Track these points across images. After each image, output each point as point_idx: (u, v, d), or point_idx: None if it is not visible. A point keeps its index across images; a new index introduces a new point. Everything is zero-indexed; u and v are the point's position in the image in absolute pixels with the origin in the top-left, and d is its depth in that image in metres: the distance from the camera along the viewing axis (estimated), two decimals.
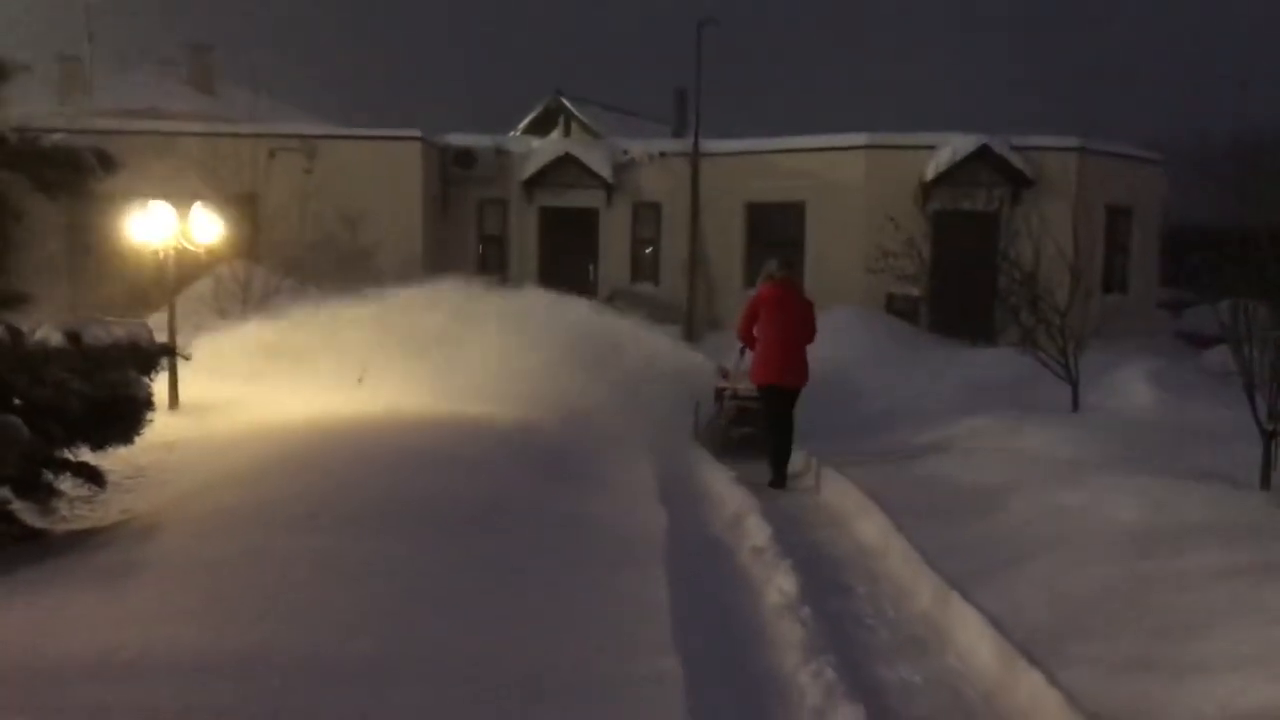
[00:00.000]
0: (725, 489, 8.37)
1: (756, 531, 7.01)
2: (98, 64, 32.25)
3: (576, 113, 28.80)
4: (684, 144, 21.27)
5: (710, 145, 20.67)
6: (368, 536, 4.94)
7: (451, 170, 21.08)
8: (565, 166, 21.12)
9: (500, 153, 21.26)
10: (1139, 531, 6.33)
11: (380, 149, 19.60)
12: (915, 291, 18.51)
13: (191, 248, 9.06)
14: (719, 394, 10.77)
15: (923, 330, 17.91)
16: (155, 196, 9.95)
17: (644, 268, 21.30)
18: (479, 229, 21.66)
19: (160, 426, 8.26)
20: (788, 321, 9.37)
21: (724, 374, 10.82)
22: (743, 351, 9.86)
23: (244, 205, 19.13)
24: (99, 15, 34.38)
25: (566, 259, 20.97)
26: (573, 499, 6.95)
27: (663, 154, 21.09)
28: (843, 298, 17.91)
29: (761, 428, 9.71)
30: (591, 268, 21.58)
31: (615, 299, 20.35)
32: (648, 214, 21.28)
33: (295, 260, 19.01)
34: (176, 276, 9.14)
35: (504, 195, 21.46)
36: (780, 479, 9.10)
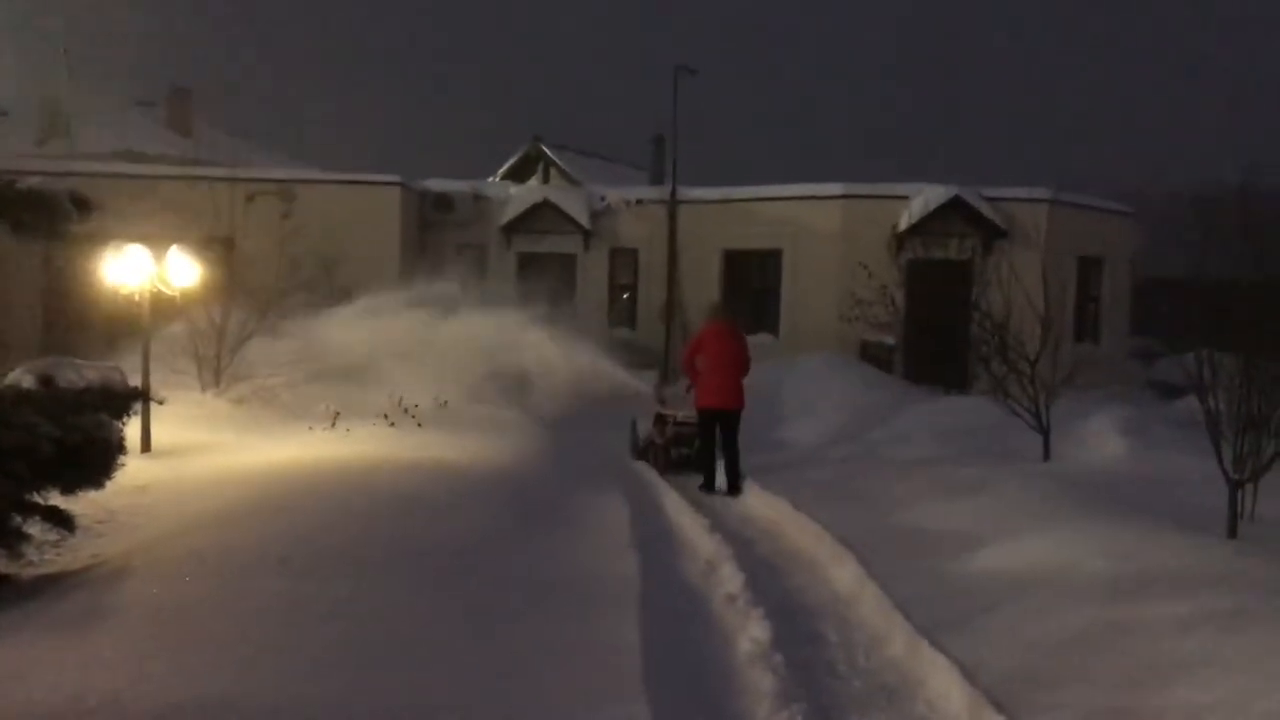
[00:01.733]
0: (695, 530, 8.38)
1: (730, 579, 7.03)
2: (76, 105, 32.33)
3: (555, 159, 29.00)
4: (661, 191, 21.45)
5: (688, 192, 20.86)
6: (337, 582, 4.93)
7: (430, 215, 21.17)
8: (543, 212, 21.25)
9: (478, 198, 21.38)
10: (1108, 580, 6.38)
11: (359, 193, 19.67)
12: (889, 340, 18.65)
13: (167, 291, 9.06)
14: (659, 419, 11.96)
15: (897, 378, 18.02)
16: (133, 239, 10.01)
17: (621, 313, 21.35)
18: (458, 271, 21.67)
19: (133, 470, 8.24)
20: (726, 353, 10.83)
21: (661, 401, 12.20)
22: (689, 388, 11.17)
23: (221, 249, 19.19)
24: (77, 57, 34.49)
25: (548, 295, 20.96)
26: (543, 542, 6.95)
27: (639, 201, 21.26)
28: (818, 344, 18.04)
29: (695, 450, 11.13)
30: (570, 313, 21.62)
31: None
32: (625, 260, 21.41)
33: (272, 303, 19.00)
34: (151, 320, 9.13)
35: (482, 240, 21.54)
36: (731, 480, 10.50)
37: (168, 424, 9.87)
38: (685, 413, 11.33)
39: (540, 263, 21.53)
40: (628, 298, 21.40)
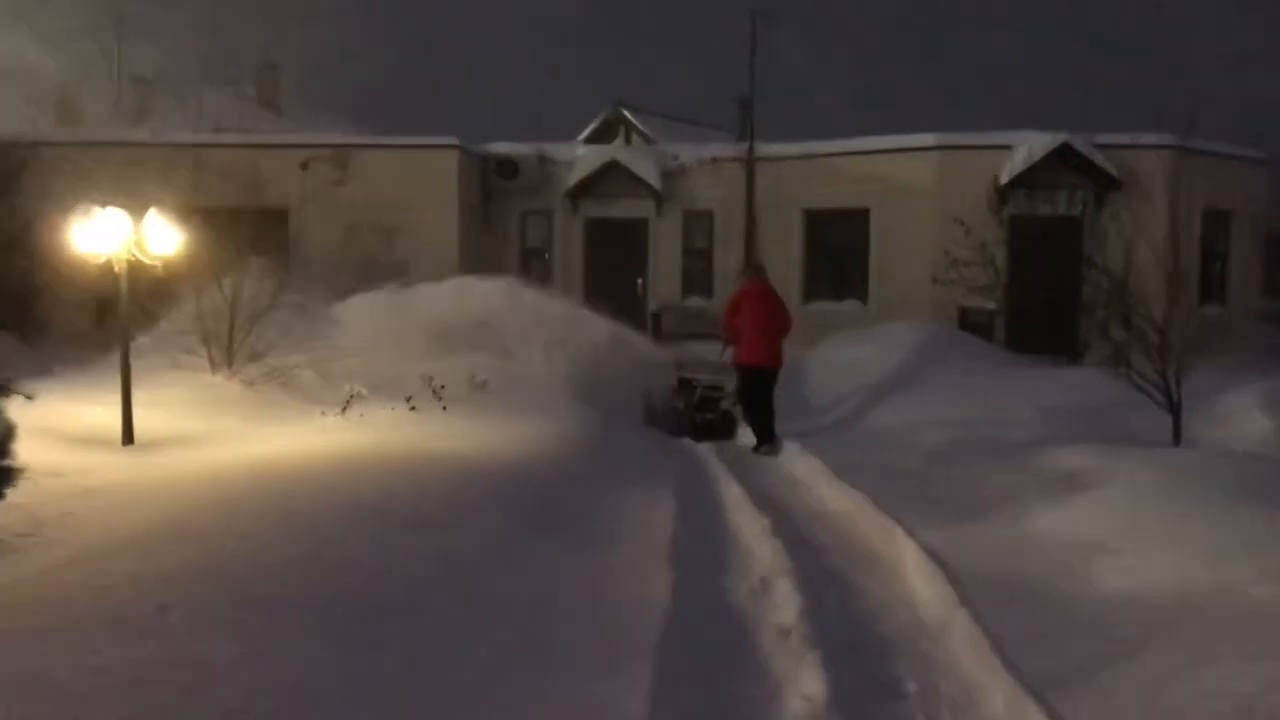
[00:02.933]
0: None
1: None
2: (169, 86, 31.91)
3: (636, 123, 27.66)
4: (739, 148, 19.92)
5: (767, 149, 19.30)
6: (220, 643, 3.66)
7: (493, 180, 20.00)
8: (612, 174, 19.91)
9: (544, 161, 20.12)
10: (1276, 614, 4.86)
11: (415, 158, 18.56)
12: (990, 304, 16.91)
13: (145, 259, 7.98)
14: (683, 384, 12.26)
15: (998, 347, 16.29)
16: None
17: (696, 280, 19.94)
18: (521, 241, 20.53)
19: (101, 466, 7.19)
20: (765, 314, 10.89)
21: (679, 365, 12.62)
22: (726, 344, 11.22)
23: (275, 219, 18.30)
24: (169, 37, 33.95)
25: (613, 272, 19.71)
26: (555, 559, 5.67)
27: (715, 159, 19.76)
28: (910, 311, 16.40)
29: (717, 415, 11.66)
30: (640, 281, 20.31)
31: (664, 314, 19.07)
32: (699, 223, 19.95)
33: (327, 275, 18.08)
34: (134, 291, 8.09)
35: (548, 206, 20.31)
36: (765, 441, 10.61)
37: (166, 411, 8.83)
38: (709, 376, 11.77)
39: (609, 229, 20.22)
40: (702, 263, 19.93)
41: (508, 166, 19.92)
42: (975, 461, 9.07)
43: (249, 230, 18.08)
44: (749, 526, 7.51)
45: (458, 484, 6.41)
